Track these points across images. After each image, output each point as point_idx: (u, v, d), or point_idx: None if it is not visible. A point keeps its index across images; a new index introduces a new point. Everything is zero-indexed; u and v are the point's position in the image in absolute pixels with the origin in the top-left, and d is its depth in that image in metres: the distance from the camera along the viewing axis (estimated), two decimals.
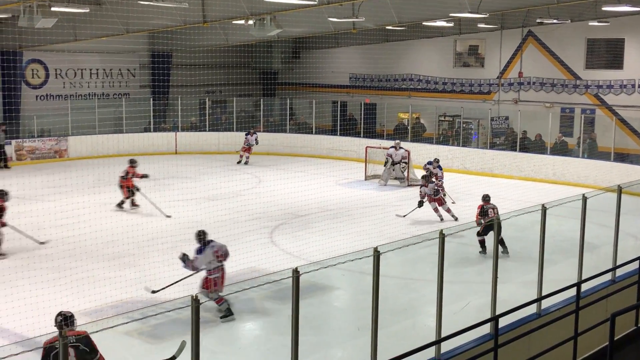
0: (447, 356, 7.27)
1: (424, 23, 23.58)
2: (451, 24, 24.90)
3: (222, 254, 10.42)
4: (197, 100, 29.57)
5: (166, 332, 9.45)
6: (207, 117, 28.79)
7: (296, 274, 6.10)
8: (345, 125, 27.94)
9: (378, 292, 6.73)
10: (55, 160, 25.22)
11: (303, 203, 17.39)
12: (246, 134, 25.33)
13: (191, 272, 10.52)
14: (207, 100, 29.19)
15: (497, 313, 7.71)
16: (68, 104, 26.98)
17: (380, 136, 26.38)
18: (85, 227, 14.36)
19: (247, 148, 25.07)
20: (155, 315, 9.33)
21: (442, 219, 16.17)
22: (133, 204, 17.52)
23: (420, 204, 16.18)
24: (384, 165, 21.71)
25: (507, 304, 7.85)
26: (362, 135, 26.81)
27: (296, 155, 26.65)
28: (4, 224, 13.67)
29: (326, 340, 9.66)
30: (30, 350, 6.47)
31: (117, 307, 10.62)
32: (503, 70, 27.80)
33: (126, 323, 8.35)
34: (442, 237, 7.31)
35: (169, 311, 8.91)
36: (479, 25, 25.78)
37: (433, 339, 7.20)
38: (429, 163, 18.82)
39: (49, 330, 6.92)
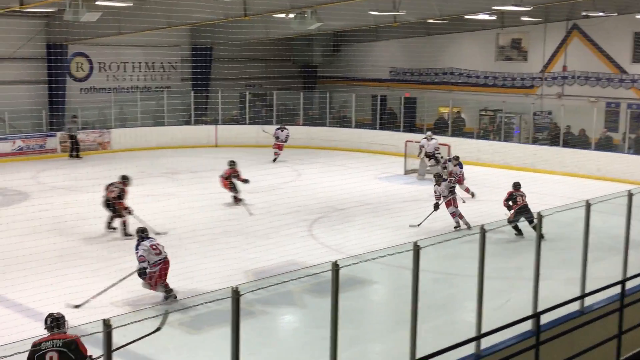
0: (488, 352, 7.20)
1: (466, 16, 23.34)
2: (494, 17, 24.59)
3: (161, 248, 10.71)
4: (237, 93, 29.73)
5: (206, 323, 9.55)
6: (247, 110, 28.94)
7: (336, 267, 6.10)
8: (385, 119, 27.83)
9: (418, 286, 6.70)
10: (98, 152, 25.60)
11: (342, 197, 17.38)
12: (277, 129, 24.78)
13: (123, 277, 10.75)
14: (247, 93, 29.32)
15: (539, 310, 7.61)
16: (111, 97, 27.38)
17: (420, 130, 26.21)
18: (128, 219, 14.55)
19: (279, 144, 24.42)
20: (196, 306, 9.40)
21: (469, 226, 14.63)
22: (237, 200, 17.21)
23: (436, 206, 15.02)
24: (418, 156, 21.59)
25: (549, 301, 7.74)
26: (401, 129, 26.67)
27: (335, 149, 26.63)
28: (126, 208, 14.42)
29: (365, 333, 9.65)
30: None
31: (158, 297, 10.74)
32: (547, 64, 27.38)
33: (167, 314, 8.45)
34: (482, 232, 7.25)
35: (209, 302, 8.98)
36: (522, 19, 25.40)
37: (473, 335, 7.14)
38: (448, 160, 18.53)
39: (92, 319, 7.00)
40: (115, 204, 14.47)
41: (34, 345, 6.38)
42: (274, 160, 24.20)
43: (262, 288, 9.64)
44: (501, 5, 19.26)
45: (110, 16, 21.19)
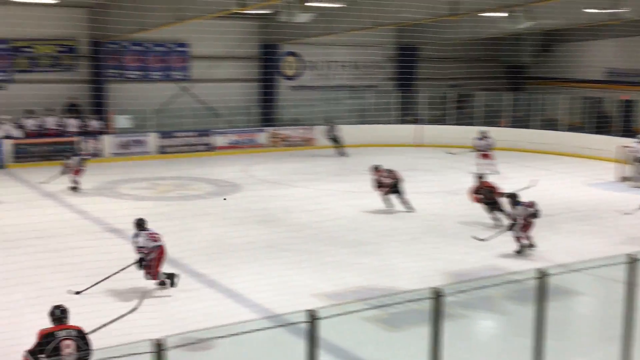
0: None
1: None
2: None
3: (158, 235, 10.55)
4: (441, 93, 29.54)
5: (403, 321, 9.55)
6: (451, 110, 28.64)
7: (541, 275, 5.86)
8: (597, 122, 26.29)
9: (633, 302, 6.26)
10: (304, 148, 26.56)
11: (548, 202, 16.63)
12: (477, 139, 21.69)
13: (136, 259, 10.55)
14: (451, 93, 29.01)
15: None
16: (318, 95, 28.30)
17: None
18: (330, 214, 14.97)
19: (485, 154, 21.39)
20: (395, 304, 9.46)
21: (521, 249, 12.89)
22: (496, 220, 14.87)
23: (510, 227, 13.01)
24: (628, 162, 20.13)
25: None
26: (617, 134, 25.03)
27: (542, 153, 25.57)
28: (387, 192, 15.98)
29: (569, 346, 9.17)
30: (278, 327, 6.81)
31: (357, 292, 10.90)
32: None
33: (366, 310, 8.57)
34: None
35: (408, 301, 9.01)
36: None
37: None
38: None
39: (297, 308, 7.24)
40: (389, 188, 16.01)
41: (45, 335, 6.35)
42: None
43: (463, 291, 9.54)
44: None
45: (321, 17, 21.90)
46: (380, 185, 16.11)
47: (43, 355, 6.24)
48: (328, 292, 10.82)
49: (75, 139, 23.18)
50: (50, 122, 23.44)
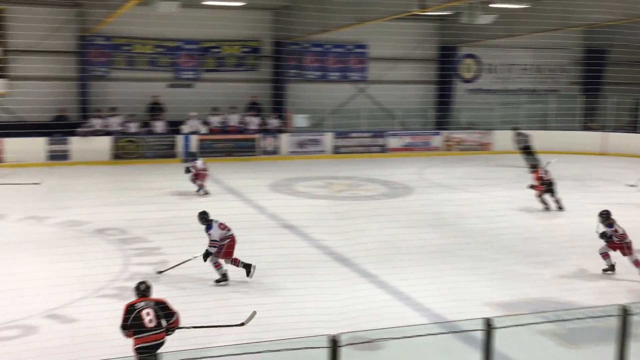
0: None
1: None
2: None
3: (228, 226, 10.65)
4: (631, 99, 27.77)
5: (582, 339, 9.02)
6: None
7: None
8: None
9: None
10: (479, 152, 25.98)
11: None
12: None
13: (215, 249, 10.58)
14: None
15: None
16: (496, 99, 27.56)
17: None
18: (506, 221, 14.47)
19: None
20: (573, 319, 8.96)
21: (610, 267, 11.68)
22: None
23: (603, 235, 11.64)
24: None
25: None
26: None
27: None
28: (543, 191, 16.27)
29: None
30: (452, 333, 6.68)
31: (531, 304, 10.44)
32: None
33: (542, 322, 8.19)
34: None
35: (590, 317, 8.51)
36: None
37: None
38: None
39: (468, 315, 7.05)
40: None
41: (127, 308, 6.87)
42: None
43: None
44: None
45: (503, 18, 21.29)
46: (541, 183, 16.09)
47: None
48: (501, 301, 10.44)
49: (255, 136, 24.17)
50: (233, 119, 24.58)
